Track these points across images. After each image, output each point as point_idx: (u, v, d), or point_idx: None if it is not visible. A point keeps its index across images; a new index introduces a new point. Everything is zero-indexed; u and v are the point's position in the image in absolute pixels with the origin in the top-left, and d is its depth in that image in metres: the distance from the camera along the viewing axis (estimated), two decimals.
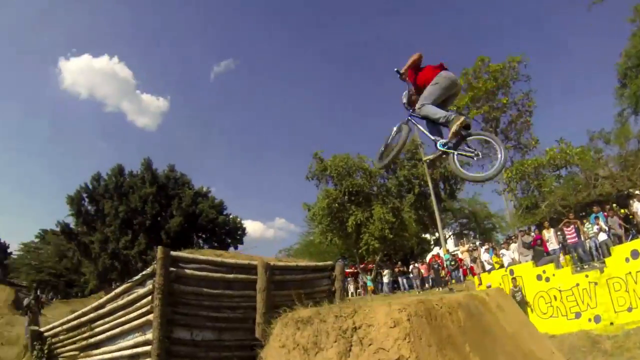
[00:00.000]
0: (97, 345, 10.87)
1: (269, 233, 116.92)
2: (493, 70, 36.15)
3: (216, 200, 49.24)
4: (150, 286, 9.06)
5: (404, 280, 30.93)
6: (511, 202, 36.12)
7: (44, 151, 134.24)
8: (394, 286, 31.65)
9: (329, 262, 12.40)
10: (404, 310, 4.66)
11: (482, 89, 35.95)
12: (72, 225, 46.43)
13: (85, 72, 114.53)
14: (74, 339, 11.48)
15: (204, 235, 48.14)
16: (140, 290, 9.50)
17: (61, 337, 11.93)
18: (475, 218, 45.77)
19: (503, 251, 23.27)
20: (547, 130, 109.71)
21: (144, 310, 9.29)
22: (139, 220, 43.43)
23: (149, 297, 9.08)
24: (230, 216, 50.11)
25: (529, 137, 37.00)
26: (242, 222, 51.62)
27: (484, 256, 24.39)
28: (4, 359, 14.91)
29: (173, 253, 9.37)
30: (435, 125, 6.30)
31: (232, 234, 49.60)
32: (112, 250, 42.85)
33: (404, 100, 6.74)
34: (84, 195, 46.19)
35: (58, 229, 48.09)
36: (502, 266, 22.24)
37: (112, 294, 10.48)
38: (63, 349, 11.86)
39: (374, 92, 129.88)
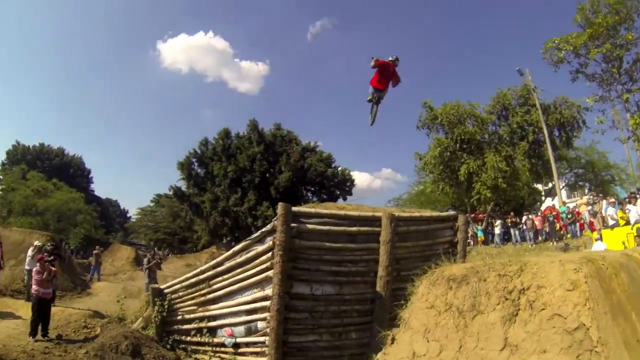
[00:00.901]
0: (214, 301, 11.02)
1: (376, 184, 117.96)
2: (614, 3, 31.86)
3: (324, 153, 49.45)
4: (270, 243, 8.88)
5: (516, 232, 29.35)
6: (637, 152, 32.75)
7: (154, 126, 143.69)
8: (505, 237, 30.27)
9: (452, 213, 11.80)
10: (580, 270, 3.80)
11: (602, 24, 31.53)
12: (183, 188, 48.98)
13: (184, 50, 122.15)
14: (193, 295, 11.73)
15: (312, 189, 48.81)
16: (260, 248, 9.35)
17: (180, 294, 12.22)
18: (592, 168, 41.45)
19: (629, 207, 20.55)
20: None
21: (263, 266, 9.17)
22: (248, 178, 44.68)
23: (269, 254, 8.93)
24: (339, 168, 50.14)
25: None
26: (350, 173, 51.57)
27: (609, 210, 21.48)
28: (128, 309, 15.72)
29: (294, 209, 9.09)
30: None
31: (340, 186, 49.70)
32: (222, 208, 44.56)
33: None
34: (193, 160, 48.50)
35: (171, 193, 51.08)
36: (627, 223, 19.67)
37: (230, 252, 10.47)
38: (182, 304, 12.17)
39: (483, 37, 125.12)
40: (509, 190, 32.82)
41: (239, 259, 10.00)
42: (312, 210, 9.73)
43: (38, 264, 12.16)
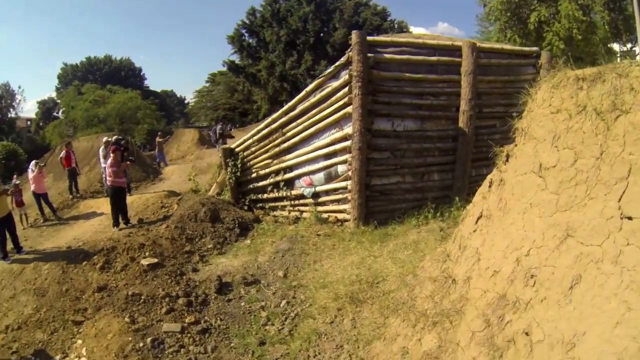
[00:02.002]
0: (290, 150, 10.79)
1: None
2: None
3: (378, 7, 47.07)
4: (346, 77, 8.47)
5: None
6: None
7: (194, 12, 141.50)
8: None
9: (535, 48, 10.86)
10: None
11: None
12: (237, 62, 48.41)
13: None
14: (266, 147, 11.50)
15: None
16: (335, 83, 8.95)
17: (253, 149, 12.01)
18: None
19: None
20: None
21: (340, 103, 8.80)
22: (302, 39, 43.65)
23: (346, 89, 8.50)
24: (395, 21, 48.25)
25: None
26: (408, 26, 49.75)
27: None
28: (200, 183, 16.12)
29: (369, 38, 8.57)
30: None
31: None
32: (279, 73, 44.24)
33: None
34: (243, 30, 47.39)
35: (225, 68, 50.83)
36: None
37: (303, 92, 10.06)
38: (256, 160, 11.99)
39: None
40: (583, 45, 30.12)
41: (312, 99, 9.63)
42: (388, 38, 9.27)
43: (112, 155, 12.01)
